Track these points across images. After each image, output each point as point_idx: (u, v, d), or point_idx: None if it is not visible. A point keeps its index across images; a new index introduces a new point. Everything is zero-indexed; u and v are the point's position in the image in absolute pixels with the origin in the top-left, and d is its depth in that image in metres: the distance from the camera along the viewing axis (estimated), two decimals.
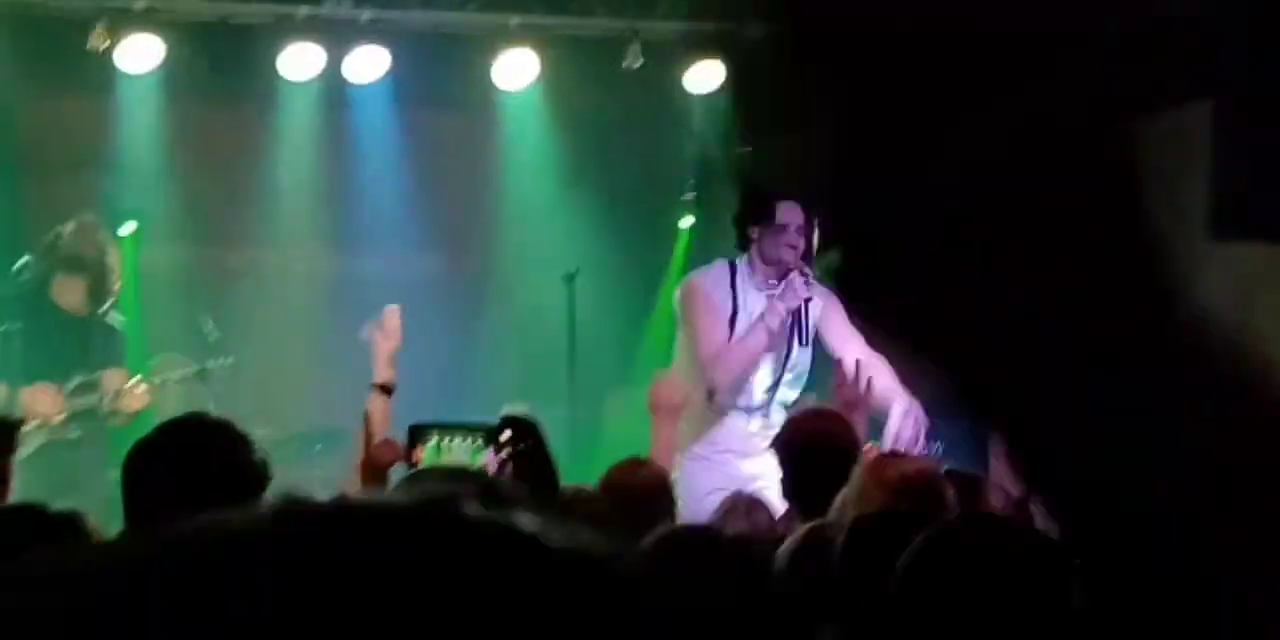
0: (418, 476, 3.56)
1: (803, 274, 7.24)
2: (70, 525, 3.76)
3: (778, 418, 7.23)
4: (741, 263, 7.59)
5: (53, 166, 10.25)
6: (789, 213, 7.25)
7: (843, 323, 7.06)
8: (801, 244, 7.28)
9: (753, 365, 7.43)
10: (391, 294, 10.58)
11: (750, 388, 7.51)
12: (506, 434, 3.80)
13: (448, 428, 3.85)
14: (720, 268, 7.67)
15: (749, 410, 7.54)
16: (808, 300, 7.26)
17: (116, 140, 10.09)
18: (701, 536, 3.12)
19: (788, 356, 7.50)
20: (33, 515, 3.68)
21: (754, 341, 7.34)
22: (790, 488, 5.56)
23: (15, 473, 4.69)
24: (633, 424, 8.92)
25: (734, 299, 7.51)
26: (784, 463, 5.62)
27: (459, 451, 3.72)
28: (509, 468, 3.61)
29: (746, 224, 7.50)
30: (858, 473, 4.79)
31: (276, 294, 10.48)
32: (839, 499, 4.79)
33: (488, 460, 3.66)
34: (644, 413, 7.43)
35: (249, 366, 9.32)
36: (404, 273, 10.74)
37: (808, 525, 4.85)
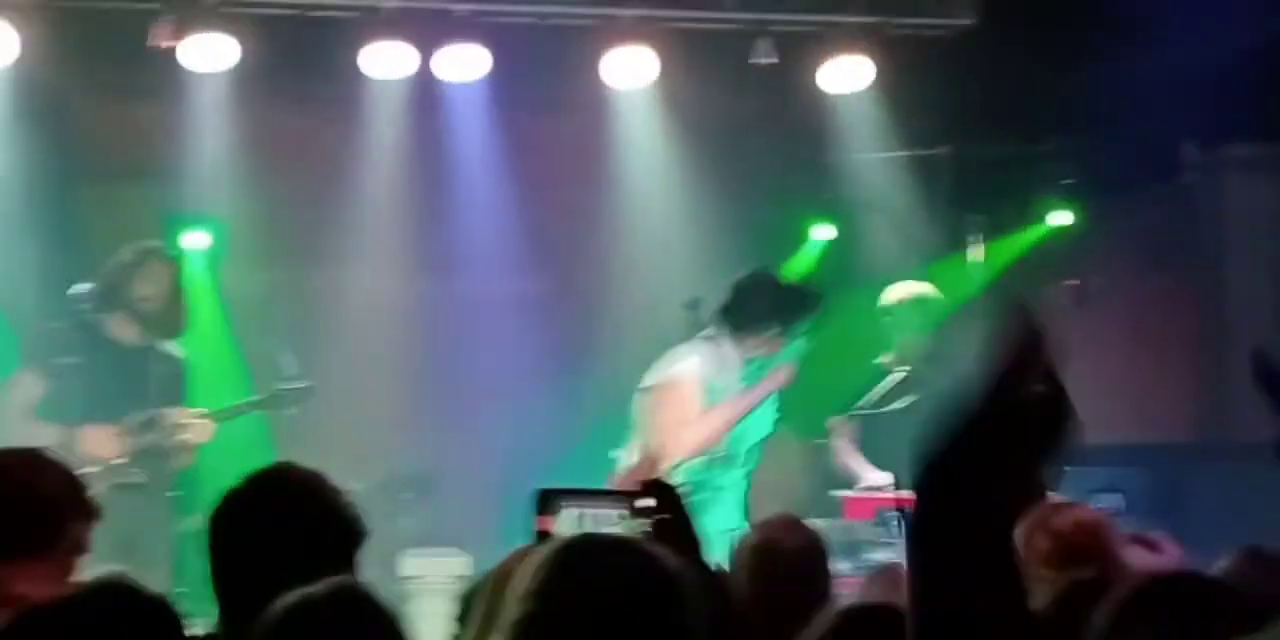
0: None
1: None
2: (162, 609, 3.71)
3: None
4: (723, 340, 8.11)
5: (117, 174, 10.27)
6: None
7: None
8: None
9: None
10: (491, 318, 10.68)
11: None
12: (648, 502, 3.74)
13: (584, 496, 3.76)
14: (697, 361, 8.10)
15: None
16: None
17: (184, 146, 9.99)
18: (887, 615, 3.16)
19: None
20: (122, 596, 3.58)
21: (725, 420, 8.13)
22: None
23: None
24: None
25: (705, 391, 8.10)
26: None
27: (602, 523, 3.65)
28: (653, 537, 3.58)
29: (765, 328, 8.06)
30: (1025, 522, 4.63)
31: (361, 319, 10.39)
32: None
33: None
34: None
35: (329, 403, 9.17)
36: (505, 294, 10.68)
37: None
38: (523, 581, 2.82)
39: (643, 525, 3.68)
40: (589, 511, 3.71)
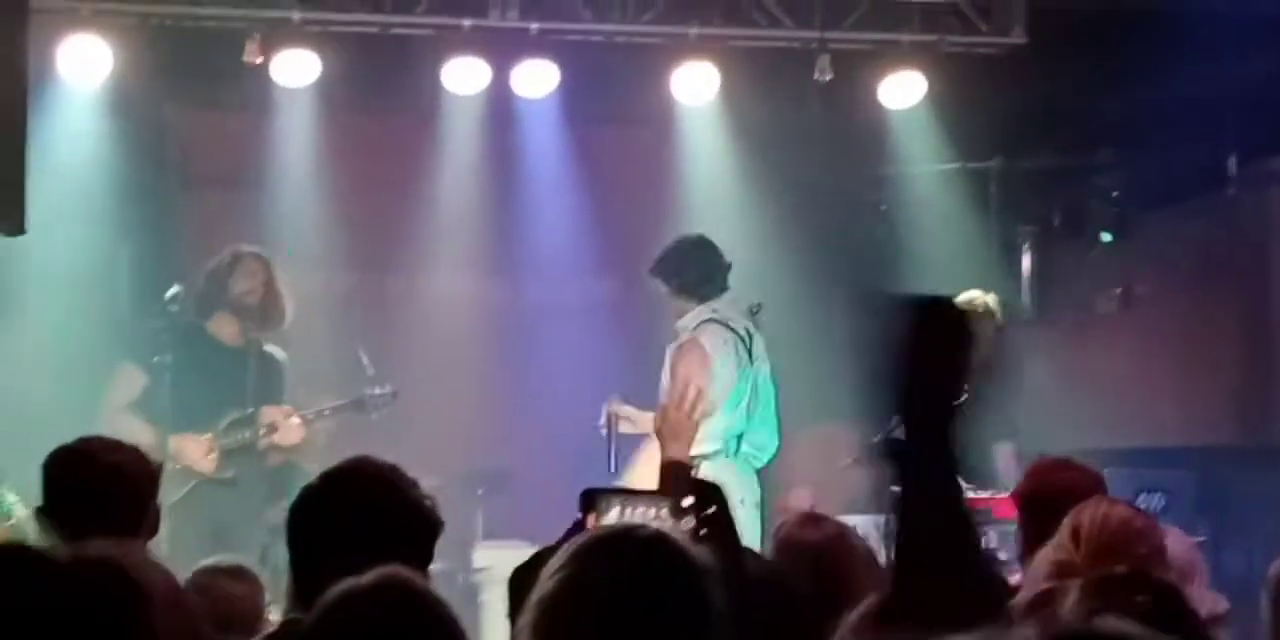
0: None
1: None
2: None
3: None
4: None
5: (207, 182, 10.66)
6: None
7: None
8: None
9: None
10: (561, 321, 10.86)
11: None
12: (690, 500, 3.84)
13: (629, 495, 3.92)
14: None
15: None
16: None
17: (271, 156, 10.39)
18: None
19: None
20: None
21: None
22: (1027, 540, 5.58)
23: (167, 515, 4.92)
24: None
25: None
26: (1023, 514, 5.64)
27: (643, 521, 3.78)
28: (697, 535, 3.72)
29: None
30: (1070, 515, 4.90)
31: (437, 322, 10.70)
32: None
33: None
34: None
35: (407, 402, 9.37)
36: (575, 299, 10.99)
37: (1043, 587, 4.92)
38: (553, 564, 2.93)
39: (685, 523, 3.73)
40: (632, 510, 3.78)
